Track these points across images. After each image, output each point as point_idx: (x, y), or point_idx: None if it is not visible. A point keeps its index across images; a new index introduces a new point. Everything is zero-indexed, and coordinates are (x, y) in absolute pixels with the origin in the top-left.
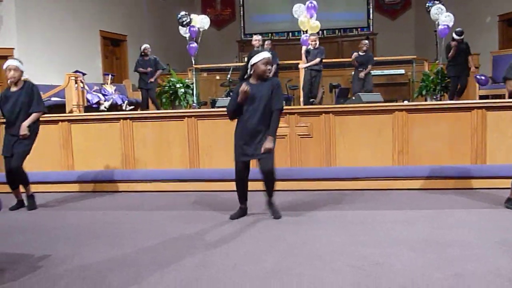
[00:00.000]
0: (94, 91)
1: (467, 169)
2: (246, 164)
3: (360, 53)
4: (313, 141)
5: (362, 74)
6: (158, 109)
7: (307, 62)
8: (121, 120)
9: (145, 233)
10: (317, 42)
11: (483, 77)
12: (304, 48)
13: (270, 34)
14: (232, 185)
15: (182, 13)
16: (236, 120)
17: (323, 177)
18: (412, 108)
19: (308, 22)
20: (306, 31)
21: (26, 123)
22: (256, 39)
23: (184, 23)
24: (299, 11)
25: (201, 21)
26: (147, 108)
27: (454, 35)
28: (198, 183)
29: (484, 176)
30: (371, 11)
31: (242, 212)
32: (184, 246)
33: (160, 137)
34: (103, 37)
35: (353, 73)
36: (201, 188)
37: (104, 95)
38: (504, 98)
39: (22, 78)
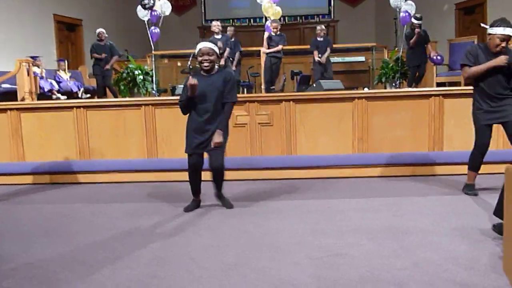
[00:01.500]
0: (43, 78)
1: (426, 155)
2: (199, 156)
3: (318, 39)
4: (274, 129)
5: (322, 59)
6: (115, 96)
7: (269, 48)
8: (75, 109)
9: (99, 228)
10: (279, 28)
11: (439, 57)
12: (266, 34)
13: (231, 20)
14: None
15: None
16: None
17: (284, 166)
18: (371, 96)
19: (271, 7)
20: (268, 18)
21: None
22: (215, 25)
23: (147, 6)
24: None
25: (161, 6)
26: (104, 95)
27: (414, 20)
28: (156, 173)
29: (442, 162)
30: None
31: (196, 204)
32: (140, 240)
33: (116, 126)
34: (57, 21)
35: (312, 60)
36: (160, 179)
37: (58, 82)
38: (460, 85)
39: None
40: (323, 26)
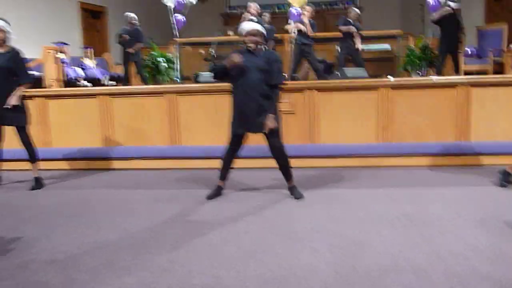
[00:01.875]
0: (68, 64)
1: (451, 146)
2: (240, 138)
3: (349, 20)
4: (296, 117)
5: (359, 46)
6: (144, 82)
7: (299, 33)
8: (99, 96)
9: (123, 214)
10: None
11: (472, 49)
12: (305, 19)
13: None
14: (214, 163)
15: None
16: (219, 79)
17: (306, 154)
18: (396, 84)
19: None
20: (289, 5)
21: (18, 92)
22: (253, 7)
23: None
24: None
25: None
26: (128, 83)
27: (450, 3)
28: (179, 161)
29: (468, 153)
30: None
31: (218, 191)
32: (162, 227)
33: (140, 113)
34: (83, 8)
35: (338, 47)
36: (182, 166)
37: (83, 69)
38: (487, 74)
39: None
40: (358, 11)
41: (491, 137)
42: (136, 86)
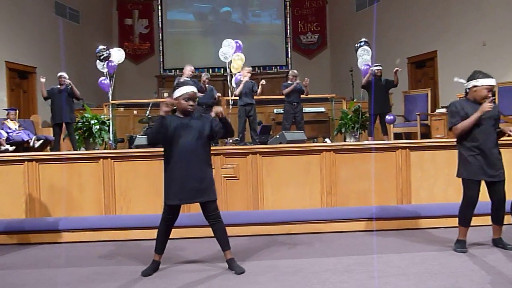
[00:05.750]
0: None
1: (396, 209)
2: (179, 209)
3: (290, 83)
4: (240, 183)
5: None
6: (74, 146)
7: (240, 95)
8: (26, 162)
9: None
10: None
11: (391, 117)
12: (237, 79)
13: None
14: (153, 233)
15: (101, 47)
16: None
17: (251, 221)
18: (339, 148)
19: (242, 60)
20: (230, 70)
21: None
22: (190, 69)
23: (102, 57)
24: (228, 46)
25: (116, 54)
26: (58, 147)
27: (373, 68)
28: (114, 232)
29: (413, 216)
30: (289, 50)
31: (155, 266)
32: None
33: (71, 181)
34: (9, 68)
35: (282, 110)
36: (118, 237)
37: (7, 133)
38: (417, 137)
39: None
40: (295, 71)
41: (431, 199)
42: (67, 152)
